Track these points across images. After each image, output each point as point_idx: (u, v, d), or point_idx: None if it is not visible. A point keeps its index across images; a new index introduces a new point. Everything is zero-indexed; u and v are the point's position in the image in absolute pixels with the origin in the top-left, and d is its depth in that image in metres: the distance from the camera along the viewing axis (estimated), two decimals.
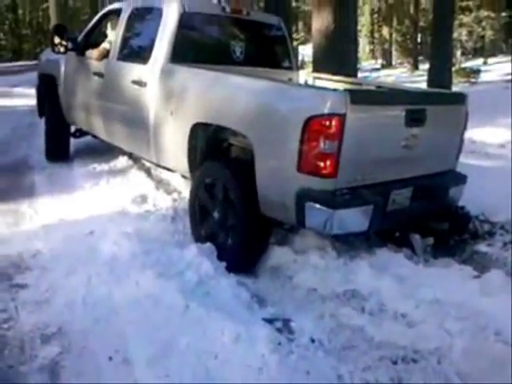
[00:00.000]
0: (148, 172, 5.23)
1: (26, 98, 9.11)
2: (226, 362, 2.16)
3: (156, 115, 3.85)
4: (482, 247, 3.49)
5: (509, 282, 2.91)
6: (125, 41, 4.53)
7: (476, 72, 16.35)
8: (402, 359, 2.34)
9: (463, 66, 18.77)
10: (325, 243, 3.33)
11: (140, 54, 4.27)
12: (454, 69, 13.92)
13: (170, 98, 3.74)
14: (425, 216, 3.50)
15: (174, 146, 3.70)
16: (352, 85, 4.32)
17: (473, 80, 15.76)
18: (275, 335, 2.36)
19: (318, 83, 4.49)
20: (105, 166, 5.40)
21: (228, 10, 4.34)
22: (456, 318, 2.55)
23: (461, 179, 3.55)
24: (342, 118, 2.66)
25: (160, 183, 4.85)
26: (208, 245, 3.22)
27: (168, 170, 4.16)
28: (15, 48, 33.20)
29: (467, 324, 2.49)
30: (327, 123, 2.66)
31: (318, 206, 2.73)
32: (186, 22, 3.94)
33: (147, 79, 3.95)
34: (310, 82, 4.65)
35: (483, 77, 16.38)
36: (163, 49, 3.90)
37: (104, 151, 5.82)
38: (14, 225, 3.82)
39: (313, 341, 2.43)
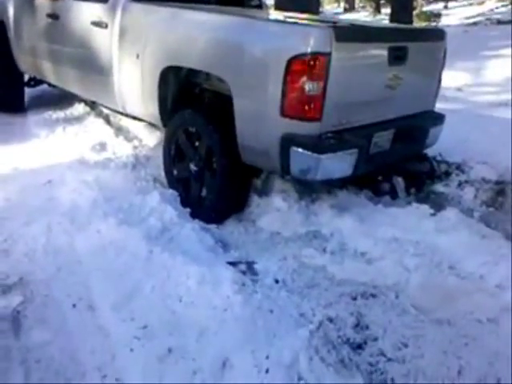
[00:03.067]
0: (106, 119, 5.06)
1: None
2: (191, 304, 2.19)
3: (120, 60, 3.57)
4: (439, 187, 3.60)
5: (463, 219, 3.04)
6: None
7: (437, 16, 16.34)
8: (361, 295, 2.43)
9: (424, 9, 18.69)
10: (287, 186, 3.36)
11: None
12: (415, 12, 13.86)
13: (135, 40, 3.44)
14: (405, 157, 3.47)
15: (142, 93, 3.46)
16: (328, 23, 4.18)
17: (433, 24, 15.76)
18: (239, 277, 2.39)
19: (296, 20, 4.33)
20: (60, 114, 5.19)
21: None
22: (413, 254, 2.66)
23: (439, 119, 3.51)
24: (327, 57, 2.51)
25: (119, 130, 4.72)
26: (171, 191, 3.19)
27: (135, 118, 3.98)
28: None
29: (423, 260, 2.61)
30: (311, 63, 2.50)
31: (303, 151, 2.60)
32: None
33: (108, 20, 3.64)
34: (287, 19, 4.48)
35: (444, 20, 16.39)
36: None
37: (59, 98, 5.57)
38: None
39: (276, 281, 2.49)
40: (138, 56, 3.40)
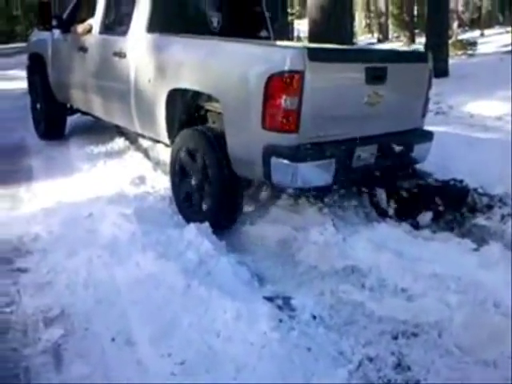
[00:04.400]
0: (145, 153, 5.19)
1: (19, 80, 8.99)
2: (229, 340, 2.18)
3: (135, 84, 3.97)
4: (481, 220, 3.50)
5: (507, 254, 2.93)
6: (106, 15, 4.66)
7: (472, 44, 16.18)
8: (402, 333, 2.36)
9: (460, 38, 18.57)
10: (324, 219, 3.34)
11: (120, 27, 4.39)
12: (450, 41, 13.77)
13: (147, 67, 3.83)
14: (391, 172, 3.64)
15: (153, 113, 3.80)
16: None
17: (470, 52, 15.61)
18: (276, 312, 2.38)
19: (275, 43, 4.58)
20: (102, 148, 5.36)
21: None
22: (455, 291, 2.58)
23: (426, 137, 3.64)
24: (300, 74, 2.77)
25: (157, 164, 4.82)
26: (207, 225, 3.22)
27: (151, 139, 4.30)
28: (7, 30, 32.64)
29: (467, 297, 2.52)
30: (287, 80, 2.77)
31: (281, 160, 2.85)
32: None
33: (126, 50, 4.06)
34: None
35: (480, 49, 16.22)
36: (140, 20, 4.01)
37: (100, 133, 5.79)
38: (13, 209, 3.82)
39: (314, 317, 2.45)
40: (149, 81, 3.78)
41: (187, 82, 3.47)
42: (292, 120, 2.82)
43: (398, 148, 3.39)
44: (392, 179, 3.78)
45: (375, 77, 3.14)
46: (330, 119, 3.01)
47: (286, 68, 2.78)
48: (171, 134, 3.70)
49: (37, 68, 5.86)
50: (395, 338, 2.33)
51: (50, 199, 3.89)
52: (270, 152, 2.89)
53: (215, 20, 4.42)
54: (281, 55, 2.88)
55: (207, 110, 3.65)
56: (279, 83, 2.79)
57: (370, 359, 2.16)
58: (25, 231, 3.34)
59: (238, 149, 3.11)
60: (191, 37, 3.79)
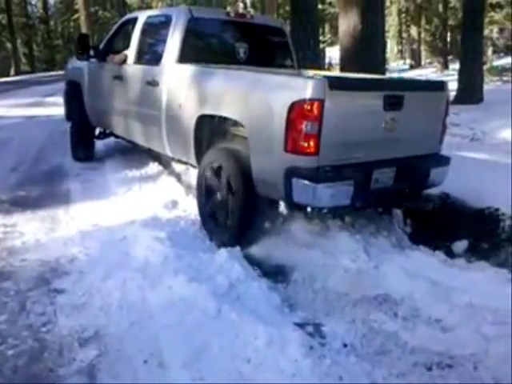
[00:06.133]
0: (178, 177, 5.30)
1: (58, 106, 9.31)
2: (259, 366, 2.18)
3: (167, 110, 4.20)
4: None
5: None
6: (140, 46, 4.93)
7: (508, 70, 15.99)
8: (436, 365, 2.30)
9: (495, 64, 18.38)
10: (356, 246, 3.31)
11: (153, 57, 4.64)
12: (485, 67, 13.62)
13: (178, 94, 4.07)
14: (409, 195, 3.70)
15: (183, 137, 4.00)
16: None
17: (505, 78, 15.41)
18: (307, 339, 2.36)
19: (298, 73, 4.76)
20: (136, 173, 5.50)
21: (232, 14, 4.73)
22: (492, 322, 2.51)
23: (443, 161, 3.72)
24: (321, 102, 2.93)
25: (190, 188, 4.90)
26: (238, 249, 3.26)
27: (180, 162, 4.48)
28: (48, 59, 34.13)
29: (504, 328, 2.44)
30: (308, 107, 2.94)
31: (302, 181, 3.01)
32: (192, 27, 4.31)
33: (159, 79, 4.30)
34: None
35: None
36: (172, 51, 4.26)
37: (135, 158, 5.94)
38: (52, 231, 3.92)
39: (345, 345, 2.43)
40: (180, 106, 4.01)
41: (215, 109, 3.66)
42: (312, 144, 2.97)
43: (414, 171, 3.49)
44: (417, 203, 3.87)
45: (393, 104, 3.27)
46: (349, 143, 3.14)
47: (308, 96, 2.94)
48: (199, 156, 3.91)
49: (73, 94, 6.17)
50: (429, 369, 2.28)
51: (87, 222, 4.01)
52: (291, 173, 3.05)
53: (242, 50, 4.65)
54: (303, 84, 3.03)
55: (233, 135, 3.79)
56: (301, 110, 2.95)
57: None
58: (62, 253, 3.43)
59: (262, 170, 3.28)
60: (219, 67, 3.99)
